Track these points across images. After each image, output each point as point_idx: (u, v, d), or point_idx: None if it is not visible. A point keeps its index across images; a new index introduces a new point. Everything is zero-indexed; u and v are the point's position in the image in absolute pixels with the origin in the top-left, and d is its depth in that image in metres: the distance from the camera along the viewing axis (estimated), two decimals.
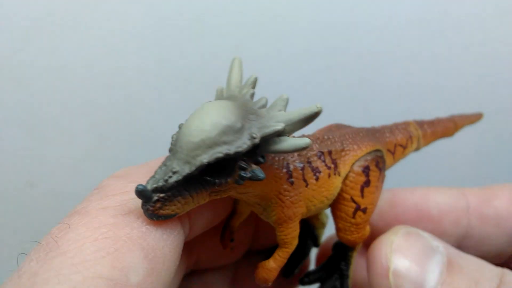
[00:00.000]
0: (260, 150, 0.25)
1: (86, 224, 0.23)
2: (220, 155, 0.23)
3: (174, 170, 0.24)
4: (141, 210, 0.24)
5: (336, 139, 0.32)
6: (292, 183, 0.29)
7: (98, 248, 0.22)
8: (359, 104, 0.63)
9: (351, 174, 0.32)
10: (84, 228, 0.23)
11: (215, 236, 0.34)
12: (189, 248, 0.34)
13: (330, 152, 0.31)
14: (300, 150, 0.25)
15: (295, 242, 0.30)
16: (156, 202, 0.24)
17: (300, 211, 0.30)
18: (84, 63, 0.58)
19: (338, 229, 0.33)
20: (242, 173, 0.25)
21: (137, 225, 0.24)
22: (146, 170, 0.28)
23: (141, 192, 0.24)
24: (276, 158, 0.28)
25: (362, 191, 0.32)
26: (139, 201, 0.24)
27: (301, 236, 0.37)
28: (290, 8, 0.59)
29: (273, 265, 0.30)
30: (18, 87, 0.58)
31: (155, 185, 0.24)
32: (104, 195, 0.25)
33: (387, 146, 0.35)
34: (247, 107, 0.26)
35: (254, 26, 0.59)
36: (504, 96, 0.64)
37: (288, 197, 0.29)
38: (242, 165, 0.25)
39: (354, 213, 0.32)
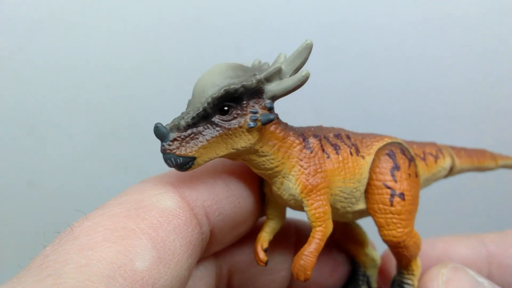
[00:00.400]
0: (266, 93, 0.27)
1: (102, 215, 0.24)
2: (228, 87, 0.26)
3: (189, 110, 0.27)
4: (157, 204, 0.25)
5: (352, 132, 0.32)
6: (310, 151, 0.29)
7: (108, 235, 0.23)
8: (359, 104, 0.63)
9: (376, 160, 0.31)
10: (99, 218, 0.24)
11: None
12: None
13: (348, 136, 0.31)
14: (302, 81, 0.26)
15: (329, 223, 0.29)
16: (173, 141, 0.26)
17: (325, 183, 0.29)
18: (84, 63, 0.59)
19: (380, 227, 0.31)
20: (253, 113, 0.26)
21: (149, 217, 0.25)
22: (169, 178, 0.28)
23: (158, 128, 0.25)
24: (292, 129, 0.29)
25: (393, 175, 0.31)
26: (154, 198, 0.26)
27: (352, 279, 0.38)
28: (290, 8, 0.59)
29: (309, 249, 0.28)
30: (19, 86, 0.58)
31: (171, 124, 0.26)
32: (124, 194, 0.27)
33: (414, 150, 0.35)
34: (253, 67, 0.29)
35: (254, 26, 0.59)
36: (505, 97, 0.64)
37: (309, 164, 0.29)
38: (252, 109, 0.27)
39: (391, 200, 0.31)
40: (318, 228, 0.29)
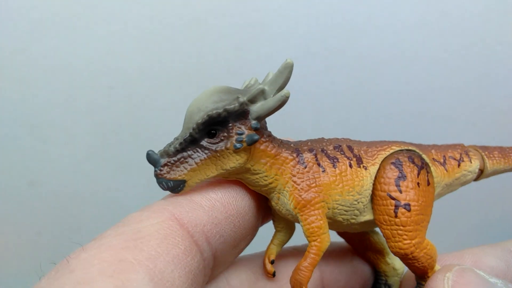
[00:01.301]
0: (251, 114, 0.28)
1: (99, 247, 0.24)
2: (210, 112, 0.27)
3: (178, 137, 0.28)
4: (155, 234, 0.25)
5: (356, 142, 0.32)
6: (304, 166, 0.29)
7: (104, 268, 0.23)
8: (358, 104, 0.63)
9: (381, 170, 0.31)
10: (96, 250, 0.24)
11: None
12: None
13: (350, 147, 0.31)
14: (282, 101, 0.27)
15: (324, 237, 0.29)
16: (164, 166, 0.27)
17: (320, 197, 0.29)
18: (86, 63, 0.59)
19: (387, 239, 0.31)
20: (238, 135, 0.27)
21: (147, 248, 0.24)
22: (166, 205, 0.28)
23: (149, 155, 0.27)
24: (285, 145, 0.30)
25: (398, 185, 0.30)
26: (152, 228, 0.25)
27: None
28: (290, 9, 0.60)
29: (304, 264, 0.29)
30: (20, 87, 0.59)
31: (162, 150, 0.27)
32: (121, 224, 0.26)
33: (431, 156, 0.34)
34: (245, 87, 0.30)
35: (254, 28, 0.59)
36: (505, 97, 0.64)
37: (302, 179, 0.29)
38: (238, 131, 0.28)
39: (396, 211, 0.30)
40: (313, 243, 0.29)
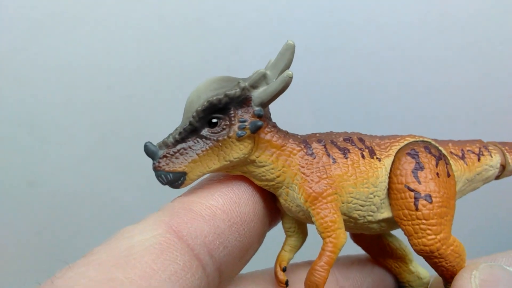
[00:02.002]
0: (254, 101, 0.26)
1: (87, 265, 0.22)
2: (211, 99, 0.25)
3: (177, 127, 0.26)
4: (150, 249, 0.23)
5: (367, 135, 0.30)
6: (313, 156, 0.27)
7: None
8: (358, 104, 0.63)
9: (396, 161, 0.29)
10: (84, 268, 0.21)
11: None
12: None
13: (361, 139, 0.29)
14: (286, 83, 0.26)
15: (340, 232, 0.26)
16: (163, 158, 0.25)
17: (332, 189, 0.27)
18: (86, 63, 0.59)
19: (409, 236, 0.28)
20: (241, 122, 0.26)
21: (140, 265, 0.22)
22: (163, 216, 0.26)
23: (147, 147, 0.25)
24: (292, 136, 0.28)
25: (416, 176, 0.28)
26: (146, 242, 0.23)
27: None
28: (289, 9, 0.59)
29: (319, 263, 0.26)
30: (20, 86, 0.58)
31: (160, 141, 0.26)
32: (113, 239, 0.24)
33: (449, 149, 0.32)
34: (241, 78, 0.28)
35: (254, 27, 0.59)
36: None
37: (311, 171, 0.27)
38: (241, 118, 0.26)
39: (416, 203, 0.27)
40: (327, 240, 0.26)
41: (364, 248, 0.35)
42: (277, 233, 0.32)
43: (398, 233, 0.32)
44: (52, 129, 0.60)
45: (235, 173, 0.28)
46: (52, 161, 0.61)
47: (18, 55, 0.58)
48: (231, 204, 0.27)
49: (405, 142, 0.30)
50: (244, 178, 0.28)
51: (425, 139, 0.31)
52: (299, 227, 0.30)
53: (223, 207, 0.26)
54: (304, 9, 0.60)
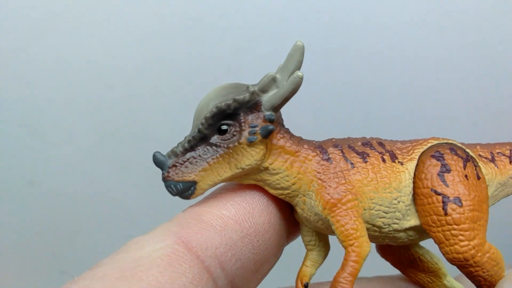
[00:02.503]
0: (265, 105, 0.25)
1: (91, 278, 0.21)
2: (219, 104, 0.25)
3: (186, 136, 0.25)
4: (157, 261, 0.22)
5: (387, 140, 0.29)
6: (330, 161, 0.26)
7: None
8: (358, 103, 0.63)
9: (420, 164, 0.27)
10: (88, 281, 0.21)
11: None
12: None
13: (381, 144, 0.28)
14: (296, 84, 0.25)
15: (363, 241, 0.25)
16: (172, 167, 0.25)
17: (352, 195, 0.25)
18: (86, 63, 0.59)
19: (439, 244, 0.26)
20: (252, 128, 0.25)
21: (147, 278, 0.21)
22: (172, 226, 0.24)
23: (156, 157, 0.25)
24: (306, 142, 0.27)
25: (442, 178, 0.26)
26: (154, 254, 0.22)
27: None
28: (290, 8, 0.59)
29: (343, 274, 0.24)
30: (20, 86, 0.58)
31: (169, 151, 0.25)
32: (119, 252, 0.23)
33: (477, 152, 0.30)
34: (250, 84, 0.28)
35: (254, 27, 0.59)
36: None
37: (329, 176, 0.26)
38: (252, 123, 0.25)
39: (445, 207, 0.26)
40: (350, 249, 0.25)
41: (392, 263, 0.33)
42: (298, 248, 0.31)
43: (429, 245, 0.30)
44: (52, 129, 0.60)
45: (248, 182, 0.27)
46: (52, 161, 0.61)
47: (18, 55, 0.58)
48: (244, 214, 0.25)
49: (429, 145, 0.28)
50: (259, 188, 0.27)
51: (450, 141, 0.29)
52: (320, 239, 0.29)
53: (235, 217, 0.25)
54: (304, 8, 0.60)
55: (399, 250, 0.32)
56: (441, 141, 0.29)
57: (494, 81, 0.63)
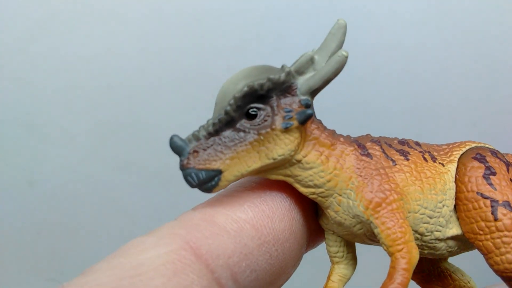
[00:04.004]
0: (300, 89, 0.22)
1: (84, 285, 0.18)
2: (251, 83, 0.21)
3: (209, 119, 0.22)
4: (161, 269, 0.19)
5: (422, 143, 0.26)
6: (370, 157, 0.23)
7: None
8: (357, 103, 0.63)
9: (461, 167, 0.24)
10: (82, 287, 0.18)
11: None
12: None
13: (417, 143, 0.25)
14: (340, 63, 0.22)
15: (412, 246, 0.21)
16: (192, 153, 0.21)
17: (397, 196, 0.22)
18: (85, 63, 0.58)
19: (487, 254, 0.23)
20: (286, 112, 0.22)
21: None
22: (179, 228, 0.21)
23: (174, 141, 0.21)
24: (341, 136, 0.24)
25: (489, 181, 0.24)
26: (157, 260, 0.19)
27: None
28: (290, 8, 0.59)
29: (392, 284, 0.21)
30: (20, 86, 0.58)
31: (190, 135, 0.21)
32: (118, 254, 0.20)
33: (510, 158, 0.27)
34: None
35: (255, 27, 0.59)
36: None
37: (370, 172, 0.23)
38: (286, 108, 0.22)
39: (494, 212, 0.23)
40: (398, 254, 0.21)
41: (418, 281, 0.30)
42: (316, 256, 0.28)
43: (457, 261, 0.28)
44: (52, 128, 0.60)
45: (277, 178, 0.23)
46: (52, 161, 0.61)
47: (18, 55, 0.58)
48: (263, 218, 0.22)
49: (467, 147, 0.26)
50: (281, 188, 0.24)
51: (486, 145, 0.27)
52: (349, 251, 0.26)
53: (252, 221, 0.22)
54: (305, 8, 0.60)
55: (429, 267, 0.29)
56: (478, 145, 0.26)
57: (495, 81, 0.63)
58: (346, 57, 0.22)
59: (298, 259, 0.24)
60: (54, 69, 0.58)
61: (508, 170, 0.25)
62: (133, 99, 0.60)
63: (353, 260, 0.26)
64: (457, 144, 0.26)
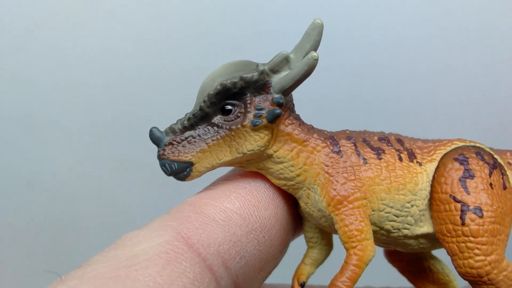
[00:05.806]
0: (274, 87, 0.23)
1: (81, 277, 0.18)
2: (224, 82, 0.23)
3: (187, 113, 0.24)
4: (155, 259, 0.20)
5: (408, 137, 0.27)
6: (340, 155, 0.24)
7: None
8: (359, 102, 0.63)
9: (441, 167, 0.25)
10: (76, 281, 0.18)
11: None
12: None
13: (399, 140, 0.26)
14: (310, 65, 0.23)
15: (367, 244, 0.23)
16: (168, 145, 0.23)
17: (360, 193, 0.23)
18: (84, 62, 0.58)
19: (452, 256, 0.24)
20: (258, 110, 0.23)
21: (143, 278, 0.19)
22: (170, 221, 0.22)
23: (152, 133, 0.23)
24: (317, 131, 0.25)
25: (464, 185, 0.24)
26: (151, 251, 0.20)
27: None
28: (290, 8, 0.59)
29: (341, 278, 0.22)
30: (18, 86, 0.58)
31: (167, 128, 0.23)
32: (113, 247, 0.21)
33: (505, 158, 0.27)
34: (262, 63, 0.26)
35: (254, 26, 0.59)
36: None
37: (337, 171, 0.23)
38: (258, 106, 0.23)
39: (463, 216, 0.23)
40: (352, 251, 0.22)
41: (400, 270, 0.31)
42: (297, 243, 0.29)
43: (441, 254, 0.28)
44: (51, 129, 0.60)
45: (250, 169, 0.25)
46: (51, 161, 0.61)
47: (17, 54, 0.57)
48: (249, 207, 0.23)
49: (453, 147, 0.26)
50: (264, 178, 0.25)
51: (477, 145, 0.26)
52: (323, 237, 0.27)
53: (239, 211, 0.23)
54: (305, 8, 0.60)
55: (408, 257, 0.30)
56: (467, 144, 0.26)
57: (495, 81, 0.63)
58: (316, 60, 0.23)
59: (285, 245, 0.25)
60: (53, 68, 0.58)
61: (490, 173, 0.25)
62: (131, 98, 0.60)
63: (327, 246, 0.27)
64: (443, 142, 0.26)
